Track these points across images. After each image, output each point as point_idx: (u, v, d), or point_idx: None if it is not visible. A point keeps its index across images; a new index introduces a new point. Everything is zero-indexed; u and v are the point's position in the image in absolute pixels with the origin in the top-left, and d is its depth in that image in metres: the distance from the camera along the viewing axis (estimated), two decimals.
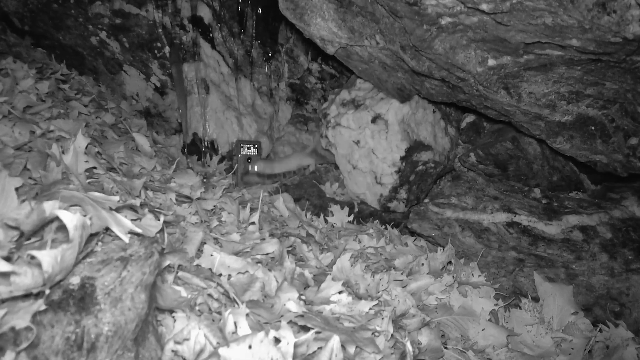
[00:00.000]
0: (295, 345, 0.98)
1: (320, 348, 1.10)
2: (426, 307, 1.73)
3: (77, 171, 1.41)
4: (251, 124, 2.93)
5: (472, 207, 2.43)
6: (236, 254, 1.48)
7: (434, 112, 2.66)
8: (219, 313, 1.17)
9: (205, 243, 1.44)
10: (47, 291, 0.84)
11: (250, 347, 0.93)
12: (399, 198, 2.61)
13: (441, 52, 1.95)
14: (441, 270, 1.94)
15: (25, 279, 0.83)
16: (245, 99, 2.96)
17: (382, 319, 1.42)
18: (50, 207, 0.96)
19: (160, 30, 2.74)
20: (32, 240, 0.98)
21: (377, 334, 1.34)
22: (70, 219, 0.89)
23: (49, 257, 0.83)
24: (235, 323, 1.07)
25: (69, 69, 2.63)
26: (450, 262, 2.01)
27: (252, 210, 1.90)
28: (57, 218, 0.96)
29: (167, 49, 2.77)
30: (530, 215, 2.31)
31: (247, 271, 1.38)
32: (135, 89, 2.87)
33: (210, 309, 1.17)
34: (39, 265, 0.83)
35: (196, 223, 1.65)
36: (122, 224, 1.07)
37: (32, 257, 0.86)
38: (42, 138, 1.63)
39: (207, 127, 2.81)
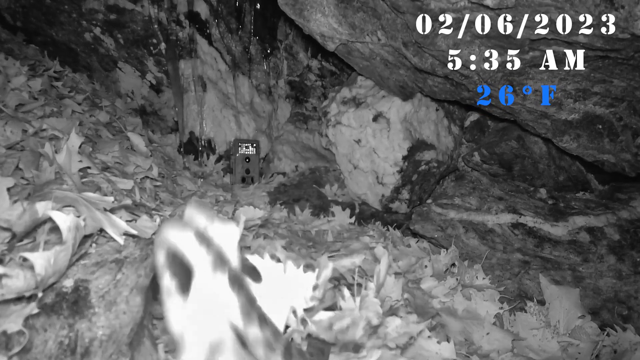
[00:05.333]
0: None
1: None
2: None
3: (71, 171, 1.40)
4: (249, 123, 2.92)
5: (476, 207, 2.40)
6: None
7: (437, 110, 2.64)
8: None
9: None
10: (40, 294, 0.83)
11: None
12: (401, 198, 2.59)
13: (444, 48, 1.92)
14: (445, 272, 1.92)
15: (18, 281, 0.81)
16: (243, 97, 2.95)
17: None
18: (43, 207, 0.94)
19: (155, 26, 2.72)
20: (25, 241, 0.96)
21: None
22: (64, 220, 0.87)
23: (41, 260, 0.81)
24: None
25: (62, 66, 2.59)
26: (453, 264, 1.98)
27: None
28: (50, 219, 0.94)
29: (163, 46, 2.76)
30: (536, 216, 2.29)
31: None
32: (130, 86, 2.85)
33: None
34: (32, 267, 0.81)
35: None
36: (117, 225, 1.06)
37: (25, 260, 0.84)
38: (35, 137, 1.61)
39: (204, 125, 2.81)
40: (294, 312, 0.99)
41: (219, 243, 0.77)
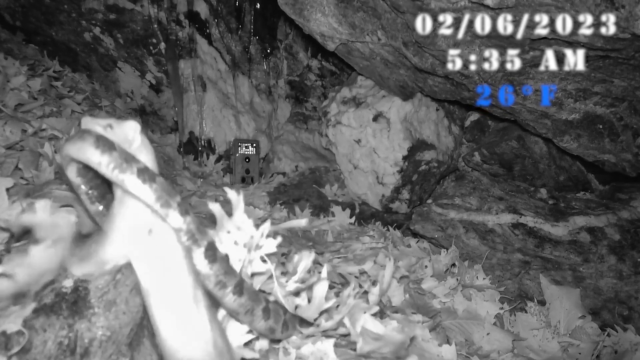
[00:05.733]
0: None
1: None
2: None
3: None
4: (249, 123, 2.92)
5: (477, 207, 2.40)
6: None
7: (437, 110, 2.64)
8: None
9: None
10: (39, 292, 0.81)
11: None
12: (401, 198, 2.58)
13: (444, 48, 1.92)
14: (445, 272, 1.91)
15: (16, 280, 0.81)
16: (243, 97, 2.94)
17: None
18: (42, 207, 0.93)
19: (155, 25, 2.72)
20: (22, 242, 0.95)
21: None
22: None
23: (40, 258, 0.81)
24: None
25: (61, 66, 2.58)
26: (454, 265, 1.97)
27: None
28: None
29: (162, 45, 2.75)
30: (537, 216, 2.28)
31: None
32: (130, 86, 2.84)
33: None
34: (30, 266, 0.81)
35: None
36: None
37: (23, 258, 0.84)
38: (34, 137, 1.61)
39: (203, 125, 2.80)
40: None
41: (120, 144, 0.76)
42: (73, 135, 0.77)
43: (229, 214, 0.98)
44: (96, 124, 0.79)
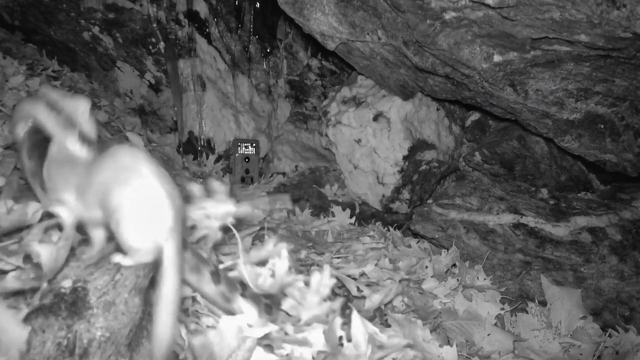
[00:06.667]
0: None
1: None
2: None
3: None
4: (249, 122, 2.91)
5: (477, 208, 2.40)
6: None
7: (437, 109, 2.64)
8: None
9: None
10: (45, 285, 0.84)
11: None
12: (402, 199, 2.58)
13: (445, 47, 1.92)
14: (445, 273, 1.91)
15: (24, 273, 0.85)
16: (242, 97, 2.94)
17: None
18: (34, 208, 0.96)
19: (154, 25, 2.72)
20: (12, 240, 0.97)
21: None
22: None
23: (47, 252, 0.84)
24: None
25: (60, 65, 2.58)
26: (454, 265, 1.98)
27: None
28: (45, 218, 0.95)
29: (162, 45, 2.75)
30: (538, 216, 2.28)
31: None
32: (129, 85, 2.84)
33: None
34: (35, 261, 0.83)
35: None
36: None
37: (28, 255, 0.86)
38: None
39: (203, 125, 2.80)
40: None
41: (69, 111, 0.88)
42: (30, 95, 0.86)
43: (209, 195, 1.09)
44: (53, 92, 0.91)
